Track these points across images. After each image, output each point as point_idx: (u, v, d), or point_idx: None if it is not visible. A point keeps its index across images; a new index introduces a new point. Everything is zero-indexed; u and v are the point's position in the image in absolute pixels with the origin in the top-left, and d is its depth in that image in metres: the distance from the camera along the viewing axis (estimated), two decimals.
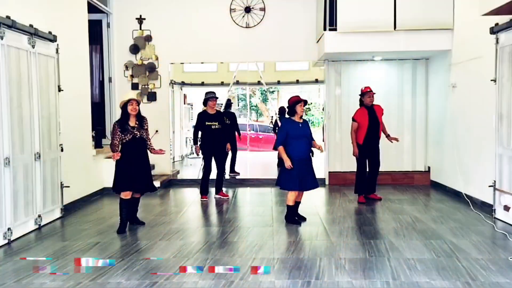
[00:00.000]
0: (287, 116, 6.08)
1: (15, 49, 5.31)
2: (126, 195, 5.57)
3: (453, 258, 4.49)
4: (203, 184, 7.62)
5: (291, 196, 5.84)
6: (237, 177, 9.81)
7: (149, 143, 5.73)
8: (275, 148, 6.12)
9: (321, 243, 5.08)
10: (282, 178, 5.85)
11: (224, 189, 8.01)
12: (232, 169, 10.03)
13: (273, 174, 10.61)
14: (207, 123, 7.42)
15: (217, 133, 7.45)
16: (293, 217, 5.93)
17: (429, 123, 9.03)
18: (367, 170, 7.26)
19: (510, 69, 5.68)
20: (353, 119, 7.11)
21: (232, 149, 9.71)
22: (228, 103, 10.55)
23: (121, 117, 5.57)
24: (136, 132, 5.54)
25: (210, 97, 7.43)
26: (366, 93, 7.08)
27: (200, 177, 7.86)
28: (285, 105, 11.15)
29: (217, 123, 7.46)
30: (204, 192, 7.61)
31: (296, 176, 5.71)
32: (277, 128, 11.59)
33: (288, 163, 5.65)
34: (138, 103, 5.60)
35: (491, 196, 6.20)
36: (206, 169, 7.62)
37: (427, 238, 5.17)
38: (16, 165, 5.30)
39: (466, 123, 7.25)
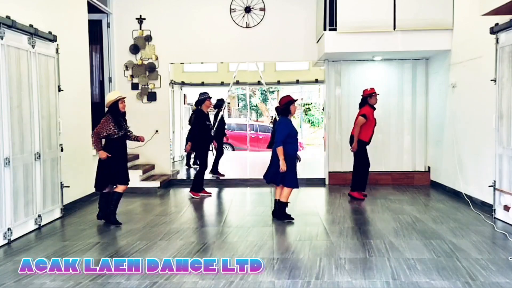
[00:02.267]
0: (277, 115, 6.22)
1: (15, 49, 5.31)
2: (124, 188, 5.92)
3: (453, 258, 4.49)
4: (200, 182, 7.85)
5: (288, 193, 5.98)
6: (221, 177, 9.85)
7: (133, 135, 6.11)
8: (273, 147, 6.10)
9: (321, 243, 5.08)
10: (289, 177, 5.87)
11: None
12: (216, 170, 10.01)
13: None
14: (207, 122, 7.72)
15: (210, 132, 7.91)
16: (286, 213, 6.06)
17: (429, 123, 9.03)
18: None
19: (510, 69, 5.68)
20: (364, 116, 7.21)
21: (218, 149, 9.81)
22: (219, 103, 10.33)
23: (114, 115, 5.74)
24: (127, 127, 5.92)
25: (207, 97, 7.70)
26: (373, 94, 7.29)
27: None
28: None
29: (211, 123, 7.98)
30: (200, 189, 7.85)
31: (296, 173, 5.94)
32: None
33: (284, 167, 5.77)
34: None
35: (491, 196, 6.20)
36: (205, 167, 7.87)
37: (427, 238, 5.17)
38: (16, 165, 5.29)
39: (466, 123, 7.25)
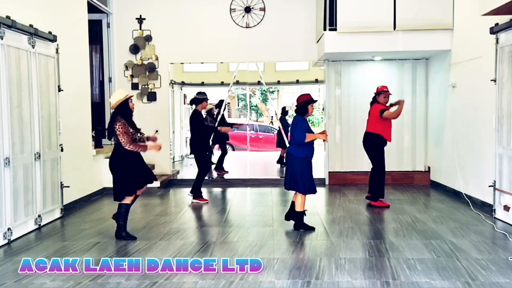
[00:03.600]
0: (290, 115, 5.99)
1: (15, 49, 5.31)
2: (131, 199, 5.33)
3: (453, 258, 4.49)
4: (200, 186, 7.45)
5: (303, 200, 5.53)
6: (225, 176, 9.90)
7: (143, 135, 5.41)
8: (287, 151, 5.72)
9: (321, 243, 5.08)
10: (308, 183, 5.45)
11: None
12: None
13: (273, 174, 10.63)
14: (205, 122, 7.59)
15: (209, 133, 7.63)
16: (305, 225, 5.59)
17: (429, 123, 9.03)
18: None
19: (510, 69, 5.68)
20: (384, 109, 6.69)
21: (222, 149, 9.87)
22: (218, 104, 10.35)
23: (126, 116, 5.14)
24: (139, 128, 5.31)
25: (206, 98, 7.36)
26: (383, 92, 6.82)
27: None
28: (286, 105, 11.12)
29: (208, 123, 7.84)
30: (201, 194, 7.47)
31: (310, 178, 5.54)
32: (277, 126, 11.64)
33: (324, 136, 5.56)
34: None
35: (491, 196, 6.20)
36: (206, 170, 7.53)
37: (427, 238, 5.17)
38: (16, 165, 5.29)
39: (466, 123, 7.25)
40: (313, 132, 5.50)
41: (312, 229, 5.57)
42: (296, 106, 5.63)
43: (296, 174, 5.46)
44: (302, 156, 5.46)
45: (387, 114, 6.71)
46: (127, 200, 5.30)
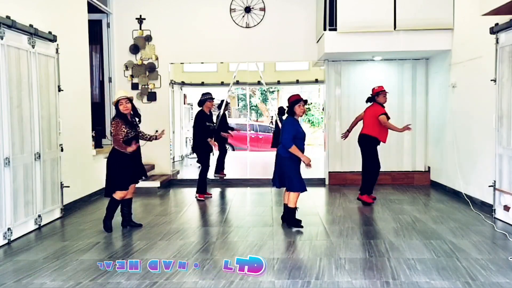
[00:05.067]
0: (286, 115, 6.01)
1: (15, 49, 5.31)
2: (122, 196, 5.57)
3: (453, 258, 4.49)
4: (204, 183, 7.68)
5: (296, 198, 5.66)
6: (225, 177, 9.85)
7: (147, 135, 5.86)
8: (277, 149, 5.86)
9: (321, 243, 5.08)
10: (296, 181, 5.58)
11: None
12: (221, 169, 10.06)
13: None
14: (207, 123, 7.58)
15: (210, 133, 7.68)
16: (296, 220, 5.71)
17: (429, 123, 9.03)
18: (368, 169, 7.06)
19: (510, 69, 5.68)
20: (384, 114, 6.79)
21: (221, 149, 9.84)
22: (220, 104, 10.43)
23: (121, 116, 5.40)
24: (138, 128, 5.64)
25: (208, 98, 7.61)
26: (381, 92, 6.87)
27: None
28: (285, 104, 11.09)
29: (212, 124, 7.77)
30: (204, 191, 7.70)
31: (301, 177, 5.68)
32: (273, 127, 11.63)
33: (308, 160, 5.58)
34: (131, 100, 5.49)
35: (491, 196, 6.20)
36: (207, 168, 7.68)
37: (427, 238, 5.17)
38: (16, 165, 5.29)
39: (466, 123, 7.25)
40: (302, 132, 5.66)
41: (301, 226, 5.65)
42: (287, 107, 5.80)
43: (285, 173, 5.63)
44: (287, 156, 5.59)
45: (384, 120, 6.78)
46: (117, 195, 5.53)
